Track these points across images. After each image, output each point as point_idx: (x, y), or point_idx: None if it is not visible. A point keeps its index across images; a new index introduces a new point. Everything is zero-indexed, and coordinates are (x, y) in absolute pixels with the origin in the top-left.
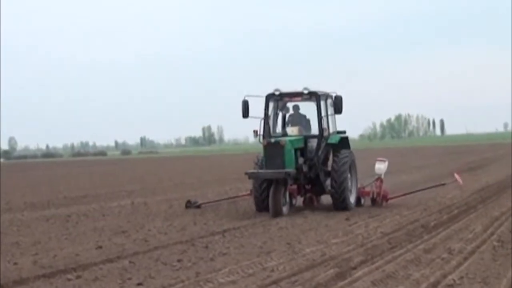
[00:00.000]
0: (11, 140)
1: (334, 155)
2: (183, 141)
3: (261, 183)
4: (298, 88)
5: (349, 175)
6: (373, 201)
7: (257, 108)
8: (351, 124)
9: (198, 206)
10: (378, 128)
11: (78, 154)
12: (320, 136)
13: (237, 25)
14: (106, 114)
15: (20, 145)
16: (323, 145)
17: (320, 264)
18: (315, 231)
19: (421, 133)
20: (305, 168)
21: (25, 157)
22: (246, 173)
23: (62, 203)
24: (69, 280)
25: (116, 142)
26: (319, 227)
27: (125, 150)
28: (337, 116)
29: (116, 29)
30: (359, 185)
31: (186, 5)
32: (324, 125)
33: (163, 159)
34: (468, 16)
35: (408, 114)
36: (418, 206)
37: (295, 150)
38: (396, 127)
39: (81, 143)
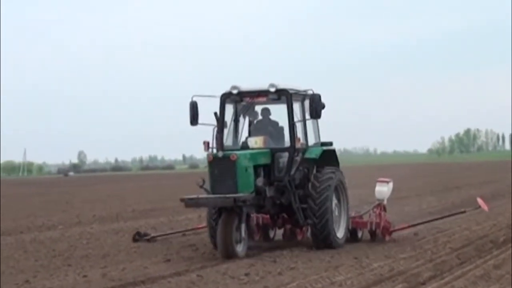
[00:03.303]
0: (81, 154)
1: (314, 174)
2: None
3: (217, 210)
4: (264, 85)
5: (335, 201)
6: (372, 234)
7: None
8: (420, 138)
9: (148, 240)
10: (446, 143)
11: (147, 167)
12: (292, 148)
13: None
14: (173, 127)
15: (90, 158)
16: (297, 160)
17: (388, 279)
18: (382, 246)
19: (490, 148)
20: (270, 192)
21: (94, 170)
22: (182, 200)
23: (130, 216)
24: None
25: (183, 156)
26: (386, 242)
27: (193, 164)
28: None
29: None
30: (353, 213)
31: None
32: (299, 133)
33: None
34: None
35: (477, 129)
36: (487, 221)
37: (256, 167)
38: (465, 141)
39: (150, 157)
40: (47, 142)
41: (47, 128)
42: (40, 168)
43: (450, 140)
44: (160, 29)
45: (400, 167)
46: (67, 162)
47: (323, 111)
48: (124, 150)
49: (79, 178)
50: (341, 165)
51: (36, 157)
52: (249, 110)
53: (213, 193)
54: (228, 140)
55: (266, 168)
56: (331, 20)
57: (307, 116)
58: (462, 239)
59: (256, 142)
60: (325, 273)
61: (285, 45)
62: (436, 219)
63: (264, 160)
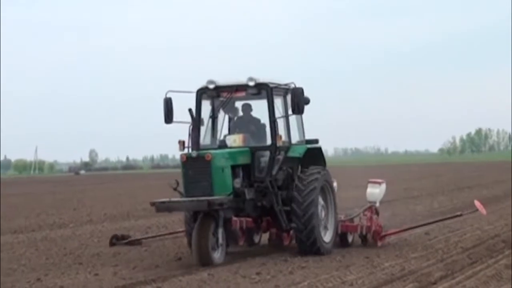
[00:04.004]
0: (92, 152)
1: (298, 175)
2: None
3: (192, 214)
4: (243, 79)
5: (321, 203)
6: (363, 239)
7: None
8: (431, 138)
9: (129, 243)
10: (458, 142)
11: (158, 166)
12: (273, 147)
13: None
14: (185, 126)
15: (101, 157)
16: (279, 159)
17: (399, 279)
18: (393, 246)
19: (501, 147)
20: (250, 194)
21: (105, 169)
22: (152, 204)
23: (141, 215)
24: None
25: None
26: (398, 241)
27: None
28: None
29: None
30: (343, 217)
31: None
32: (281, 131)
33: None
34: None
35: (489, 129)
36: (499, 221)
37: (234, 167)
38: (476, 141)
39: (161, 155)
40: (58, 141)
41: (59, 127)
42: (52, 166)
43: (462, 139)
44: (174, 29)
45: (411, 167)
46: (78, 161)
47: (307, 106)
48: (135, 148)
49: (90, 176)
50: (351, 164)
51: (48, 156)
52: (228, 106)
53: (187, 196)
54: (206, 139)
55: (246, 168)
56: (343, 20)
57: (291, 111)
58: (474, 238)
59: (235, 140)
60: (336, 272)
61: (296, 44)
62: (431, 223)
63: (243, 160)
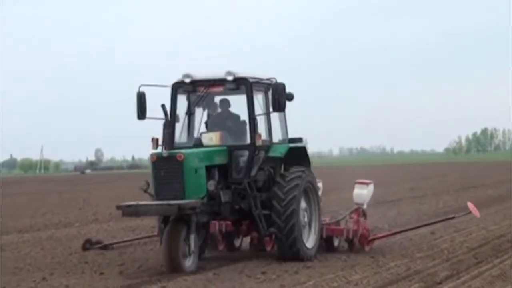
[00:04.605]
0: (98, 152)
1: (279, 175)
2: None
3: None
4: (221, 73)
5: (304, 205)
6: (350, 243)
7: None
8: (437, 137)
9: (104, 247)
10: (463, 142)
11: None
12: (252, 146)
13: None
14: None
15: (107, 156)
16: (259, 159)
17: (405, 279)
18: (399, 245)
19: (507, 147)
20: (226, 197)
21: (111, 168)
22: (118, 207)
23: None
24: None
25: None
26: (403, 241)
27: None
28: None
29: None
30: (328, 219)
31: None
32: (261, 129)
33: None
34: None
35: (495, 128)
36: (504, 221)
37: (210, 168)
38: (482, 141)
39: None
40: (64, 140)
41: (65, 126)
42: (57, 165)
43: (467, 139)
44: (173, 29)
45: (416, 167)
46: (84, 160)
47: (290, 102)
48: (140, 148)
49: (96, 175)
50: (356, 164)
51: (53, 155)
52: (206, 102)
53: (158, 199)
54: (182, 137)
55: (223, 169)
56: (348, 19)
57: (272, 108)
58: (479, 238)
59: (211, 138)
60: (342, 272)
61: (301, 43)
62: (422, 226)
63: (219, 160)
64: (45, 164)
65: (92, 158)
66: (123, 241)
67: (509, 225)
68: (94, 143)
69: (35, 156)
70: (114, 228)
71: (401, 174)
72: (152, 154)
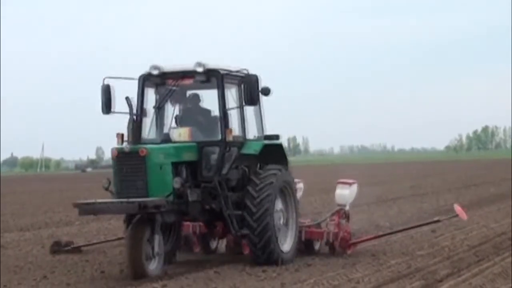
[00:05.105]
0: (99, 150)
1: (254, 173)
2: None
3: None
4: (191, 64)
5: (280, 206)
6: (331, 246)
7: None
8: (438, 135)
9: (68, 251)
10: (464, 140)
11: None
12: (223, 142)
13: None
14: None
15: (107, 154)
16: (230, 156)
17: (406, 276)
18: (400, 243)
19: (508, 145)
20: (193, 196)
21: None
22: (75, 205)
23: None
24: None
25: None
26: (404, 238)
27: None
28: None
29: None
30: (307, 221)
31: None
32: (234, 124)
33: None
34: None
35: (495, 126)
36: (505, 219)
37: (177, 165)
38: (482, 139)
39: None
40: (65, 138)
41: (65, 124)
42: (58, 164)
43: (468, 137)
44: (174, 29)
45: (417, 165)
46: (84, 158)
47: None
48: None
49: (97, 174)
50: (358, 162)
51: (54, 153)
52: (178, 96)
53: (119, 197)
54: (151, 133)
55: (192, 166)
56: (346, 17)
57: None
58: (480, 236)
59: (180, 134)
60: (342, 270)
61: (300, 40)
62: (407, 229)
63: (188, 156)
64: (46, 163)
65: (93, 156)
66: (98, 243)
67: (510, 223)
68: (95, 142)
69: (35, 154)
70: (115, 226)
71: (402, 172)
72: (112, 149)
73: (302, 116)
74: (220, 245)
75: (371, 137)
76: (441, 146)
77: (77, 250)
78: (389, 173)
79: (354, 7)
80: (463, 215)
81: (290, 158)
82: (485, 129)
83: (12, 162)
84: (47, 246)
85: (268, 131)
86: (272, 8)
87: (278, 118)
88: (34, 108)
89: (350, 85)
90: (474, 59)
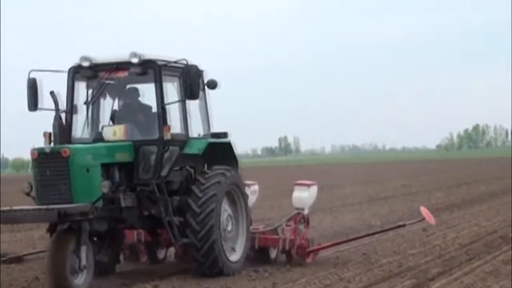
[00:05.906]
0: None
1: (200, 173)
2: (259, 152)
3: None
4: (126, 55)
5: (227, 211)
6: (288, 254)
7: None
8: (429, 134)
9: (10, 262)
10: (455, 139)
11: None
12: (160, 141)
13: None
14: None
15: None
16: (171, 157)
17: (397, 275)
18: (391, 242)
19: (499, 144)
20: (127, 201)
21: None
22: None
23: None
24: None
25: None
26: (395, 237)
27: None
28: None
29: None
30: (261, 227)
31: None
32: (175, 120)
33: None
34: None
35: (486, 125)
36: (496, 217)
37: (108, 166)
38: (473, 137)
39: None
40: None
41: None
42: None
43: (459, 136)
44: (173, 29)
45: (408, 164)
46: None
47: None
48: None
49: None
50: (349, 161)
51: None
52: (114, 90)
53: (41, 204)
54: (84, 131)
55: (127, 168)
56: (336, 14)
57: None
58: (471, 234)
59: (115, 132)
60: (334, 269)
61: (291, 37)
62: (369, 235)
63: (122, 157)
64: None
65: None
66: (35, 252)
67: (501, 221)
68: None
69: (26, 155)
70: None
71: (393, 171)
72: (32, 150)
73: (293, 115)
74: (170, 254)
75: (363, 137)
76: (432, 145)
77: (18, 259)
78: (381, 172)
79: (342, 7)
80: (431, 219)
81: (281, 158)
82: (475, 127)
83: (3, 163)
84: (39, 247)
85: (266, 131)
86: (266, 4)
87: (270, 118)
88: (25, 108)
89: (341, 84)
90: (464, 58)
